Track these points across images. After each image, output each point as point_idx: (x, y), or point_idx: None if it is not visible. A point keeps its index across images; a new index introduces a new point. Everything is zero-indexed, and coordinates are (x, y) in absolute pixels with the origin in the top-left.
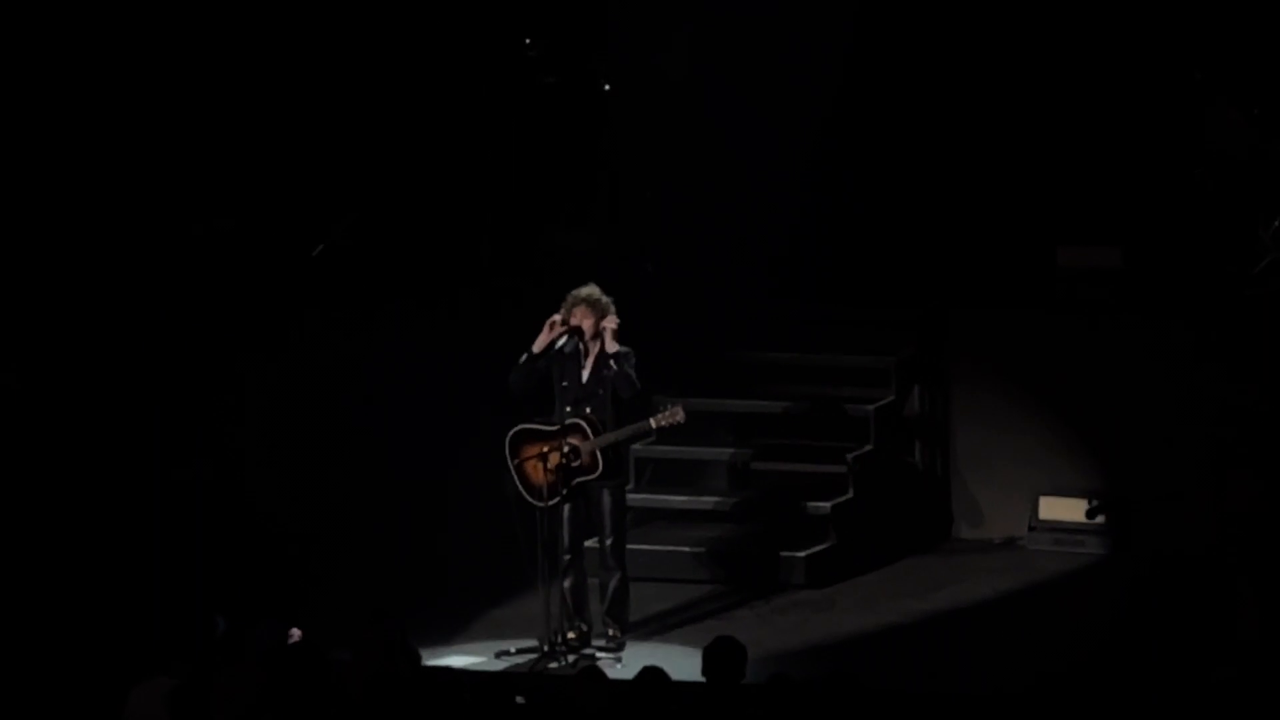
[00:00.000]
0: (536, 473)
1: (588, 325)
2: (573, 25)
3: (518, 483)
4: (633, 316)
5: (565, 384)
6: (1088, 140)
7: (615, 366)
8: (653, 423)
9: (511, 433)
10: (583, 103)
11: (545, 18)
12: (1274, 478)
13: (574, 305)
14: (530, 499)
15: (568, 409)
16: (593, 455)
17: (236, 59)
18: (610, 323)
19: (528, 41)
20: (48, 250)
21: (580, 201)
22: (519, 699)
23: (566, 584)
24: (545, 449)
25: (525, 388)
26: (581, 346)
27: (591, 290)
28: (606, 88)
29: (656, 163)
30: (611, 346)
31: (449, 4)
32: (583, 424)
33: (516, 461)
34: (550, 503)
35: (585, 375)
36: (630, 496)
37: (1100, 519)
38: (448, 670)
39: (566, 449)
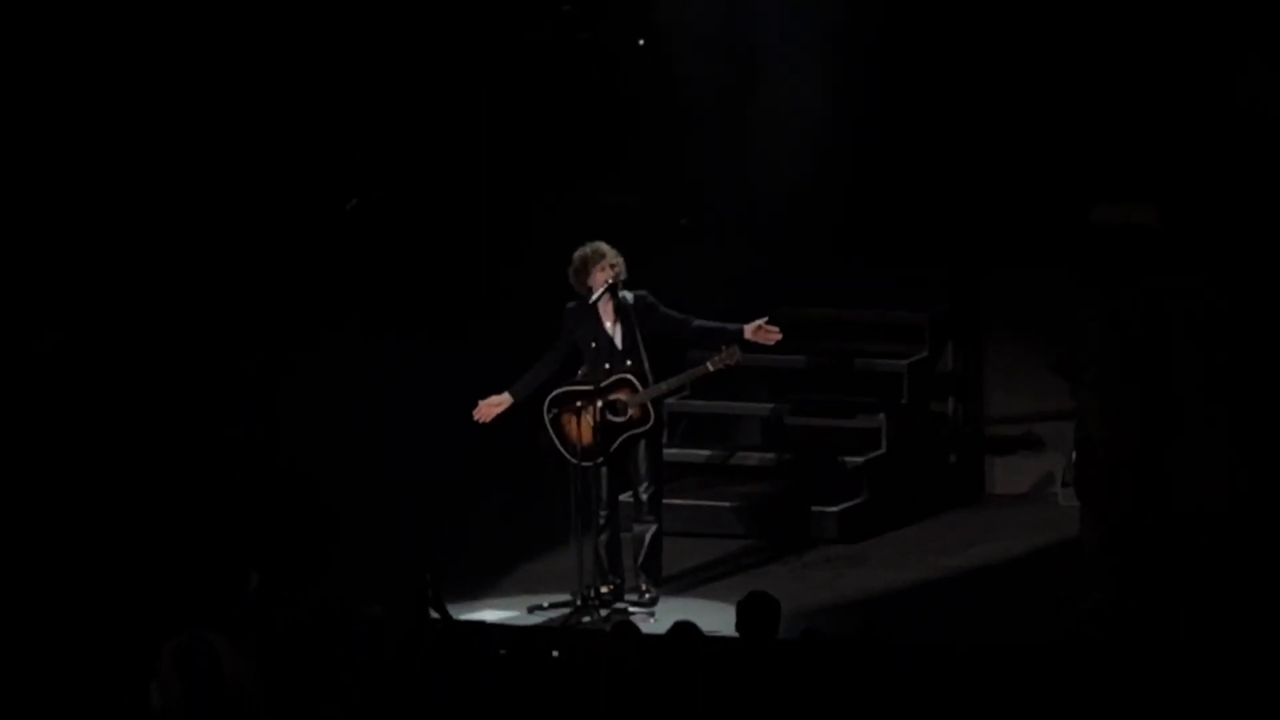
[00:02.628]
0: (581, 432)
1: (616, 278)
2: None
3: (558, 444)
4: (667, 272)
5: (594, 344)
6: (1124, 97)
7: (658, 314)
8: (710, 365)
9: (551, 395)
10: (618, 59)
11: None
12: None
13: (595, 260)
14: (576, 459)
15: (606, 366)
16: (643, 408)
17: (261, 38)
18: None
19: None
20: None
21: (617, 158)
22: (554, 653)
23: (602, 538)
24: (585, 405)
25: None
26: (603, 306)
27: (604, 245)
28: (641, 43)
29: (691, 119)
30: (630, 297)
31: None
32: (630, 378)
33: (558, 423)
34: (597, 461)
35: (618, 333)
36: (664, 451)
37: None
38: (480, 624)
39: (613, 402)
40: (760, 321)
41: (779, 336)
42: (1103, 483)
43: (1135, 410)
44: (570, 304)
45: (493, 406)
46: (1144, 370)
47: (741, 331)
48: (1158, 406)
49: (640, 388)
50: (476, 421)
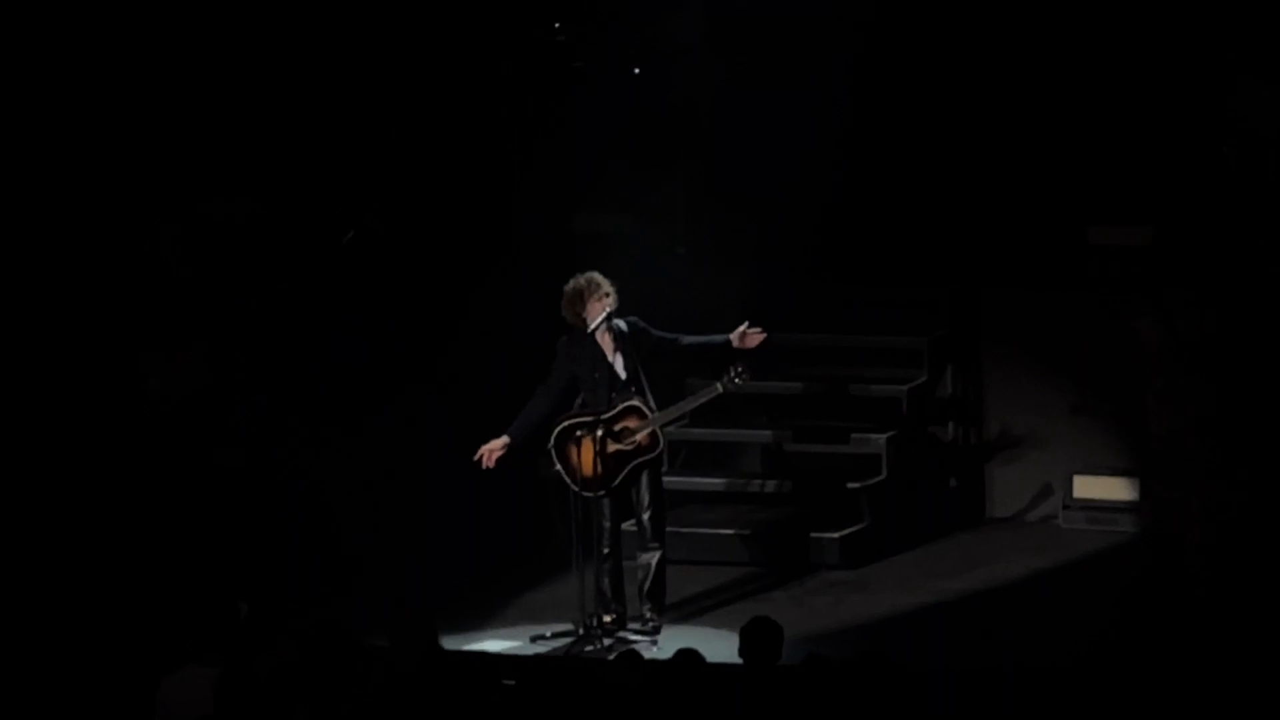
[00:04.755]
0: (588, 464)
1: (606, 308)
2: (601, 10)
3: (565, 476)
4: (664, 300)
5: (596, 375)
6: (1117, 119)
7: (651, 338)
8: (720, 386)
9: (558, 428)
10: (610, 86)
11: (574, 2)
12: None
13: (591, 291)
14: (583, 489)
15: (611, 395)
16: (652, 434)
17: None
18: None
19: (556, 26)
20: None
21: (610, 186)
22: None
23: (605, 566)
24: (593, 435)
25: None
26: (601, 336)
27: (597, 275)
28: (636, 71)
29: (685, 145)
30: (620, 324)
31: None
32: (638, 405)
33: (564, 454)
34: (606, 490)
35: (619, 362)
36: (665, 479)
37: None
38: (483, 654)
39: (620, 432)
40: (743, 327)
41: (762, 336)
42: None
43: (1207, 411)
44: (564, 337)
45: (494, 451)
46: (1208, 370)
47: (729, 341)
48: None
49: (648, 414)
50: (479, 464)
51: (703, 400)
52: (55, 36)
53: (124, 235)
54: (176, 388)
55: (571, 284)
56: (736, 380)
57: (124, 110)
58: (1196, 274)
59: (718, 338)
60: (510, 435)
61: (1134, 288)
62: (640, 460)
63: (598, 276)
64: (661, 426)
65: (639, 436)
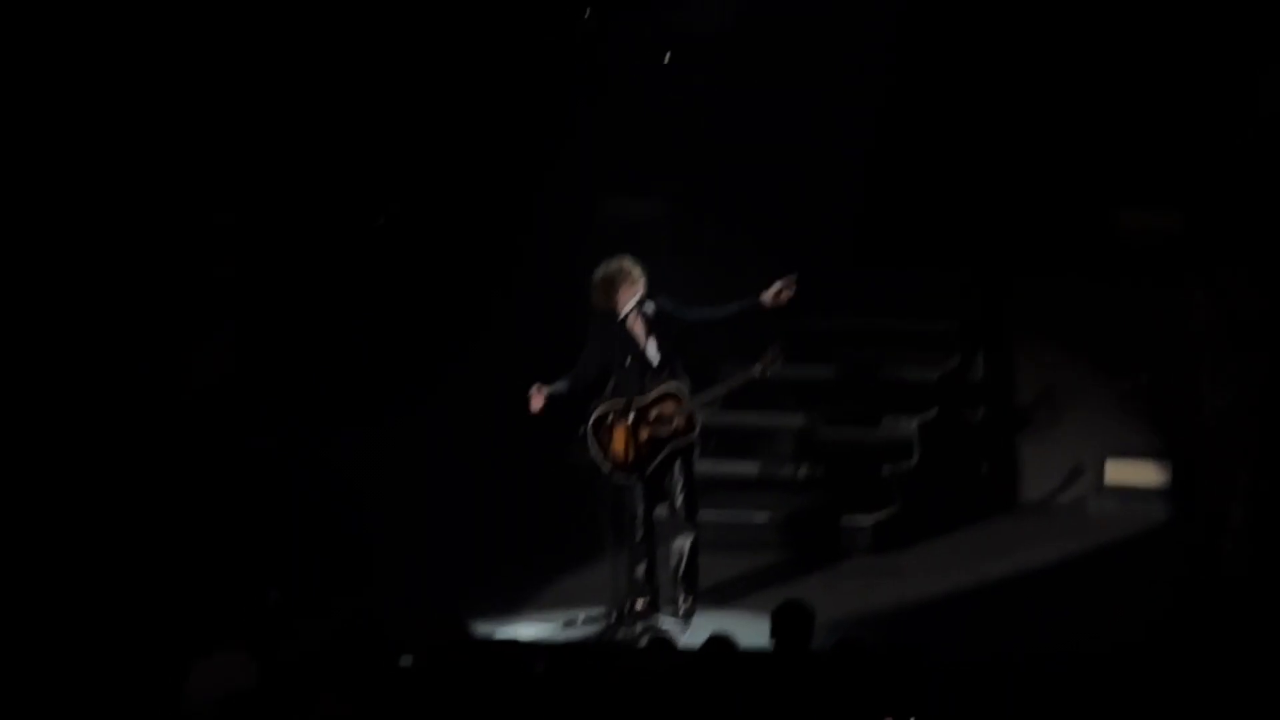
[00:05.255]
0: (625, 449)
1: (636, 294)
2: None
3: (601, 463)
4: (695, 284)
5: (629, 361)
6: (1148, 102)
7: (680, 316)
8: (755, 371)
9: (594, 414)
10: (642, 71)
11: None
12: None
13: (621, 278)
14: (619, 475)
15: (646, 381)
16: (689, 417)
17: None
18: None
19: (586, 12)
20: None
21: (643, 171)
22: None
23: (637, 552)
24: (629, 420)
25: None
26: (633, 321)
27: (628, 260)
28: (668, 57)
29: (716, 130)
30: (651, 308)
31: None
32: (673, 389)
33: (601, 439)
34: (640, 475)
35: (651, 347)
36: (697, 465)
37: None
38: (514, 642)
39: (657, 417)
40: (775, 286)
41: (791, 292)
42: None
43: (1257, 389)
44: (594, 323)
45: (540, 395)
46: (1259, 349)
47: (760, 304)
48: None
49: (684, 397)
50: (530, 411)
51: (737, 383)
52: (96, 30)
53: (157, 226)
54: (204, 375)
55: (601, 270)
56: (773, 364)
57: (160, 100)
58: (1249, 253)
59: (748, 302)
60: (553, 389)
61: (1166, 270)
62: (677, 444)
63: (627, 262)
64: (698, 408)
65: (676, 421)
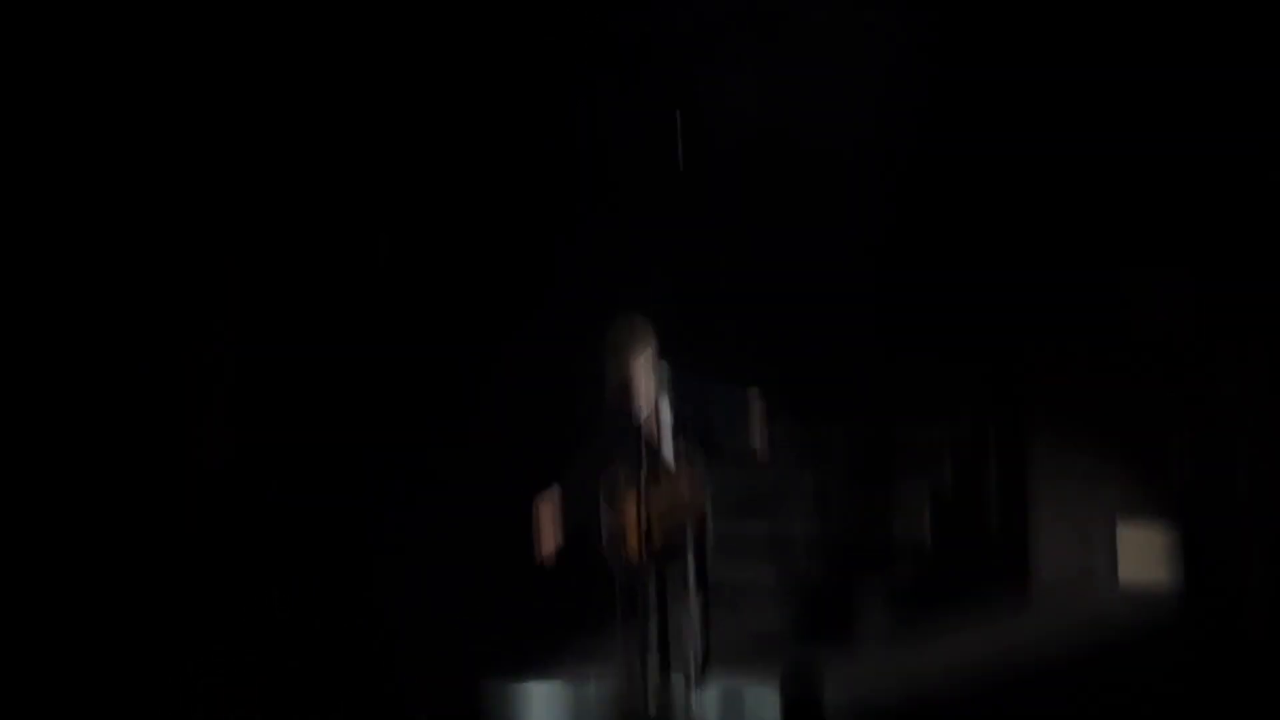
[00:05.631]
0: (634, 514)
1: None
2: (655, 64)
3: (612, 532)
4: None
5: (640, 429)
6: (1160, 161)
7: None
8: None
9: (602, 486)
10: (653, 164)
11: (628, 58)
12: None
13: (629, 345)
14: (630, 548)
15: (654, 446)
16: (698, 492)
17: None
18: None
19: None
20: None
21: (653, 263)
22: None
23: (649, 616)
24: (637, 487)
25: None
26: (643, 394)
27: (637, 325)
28: (678, 117)
29: (731, 207)
30: (665, 374)
31: (529, 51)
32: (682, 455)
33: (608, 506)
34: (651, 547)
35: (662, 413)
36: (707, 530)
37: None
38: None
39: (663, 486)
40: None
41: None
42: None
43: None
44: (607, 390)
45: (547, 512)
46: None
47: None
48: None
49: (692, 466)
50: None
51: (746, 459)
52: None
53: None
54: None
55: (612, 335)
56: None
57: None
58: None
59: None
60: (561, 485)
61: (1175, 339)
62: (685, 516)
63: (639, 325)
64: (705, 484)
65: (685, 493)
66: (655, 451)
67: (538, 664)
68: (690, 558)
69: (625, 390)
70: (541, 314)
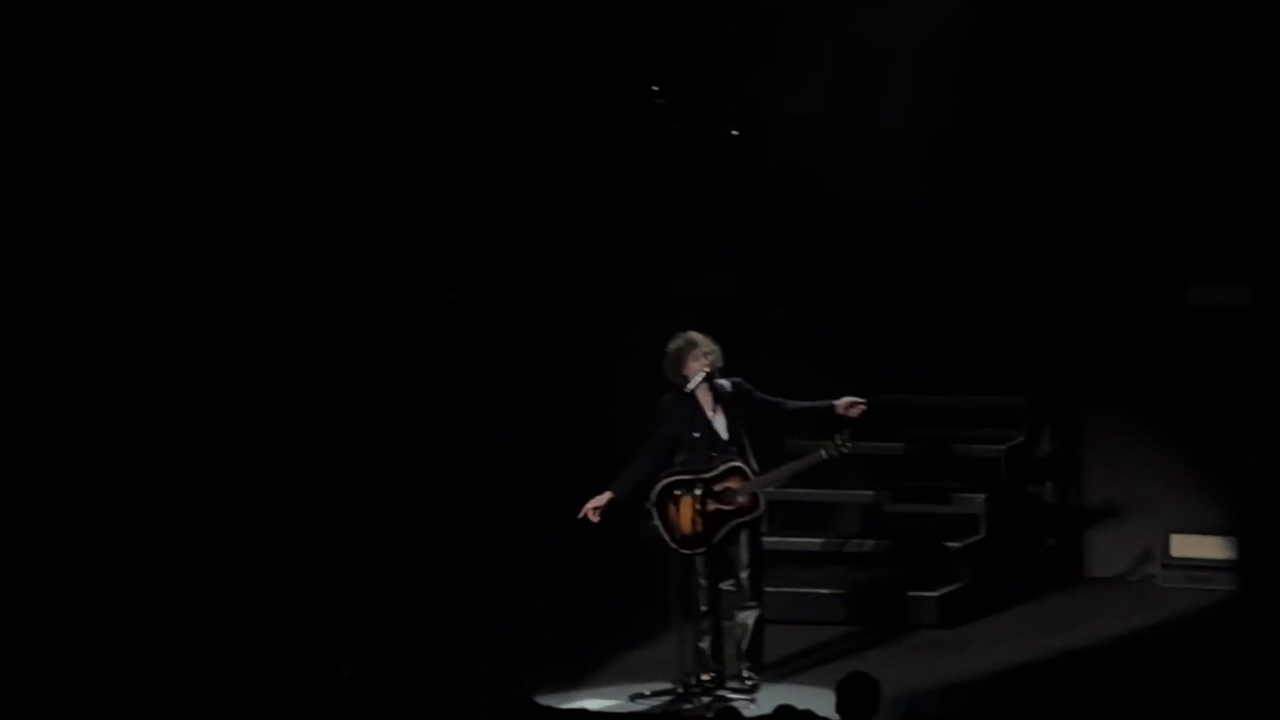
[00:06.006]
0: (688, 521)
1: (712, 367)
2: (700, 72)
3: (664, 533)
4: (763, 361)
5: (697, 434)
6: (1217, 175)
7: (754, 400)
8: (824, 453)
9: (659, 485)
10: (711, 148)
11: (672, 65)
12: None
13: (689, 350)
14: (681, 547)
15: (712, 455)
16: (753, 496)
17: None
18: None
19: (655, 89)
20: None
21: (711, 248)
22: None
23: (704, 625)
24: (694, 494)
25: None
26: (702, 395)
27: (697, 334)
28: (735, 133)
29: (786, 206)
30: (727, 384)
31: (575, 54)
32: (740, 465)
33: (665, 512)
34: (700, 550)
35: (719, 421)
36: (764, 539)
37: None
38: (583, 713)
39: (721, 492)
40: (848, 399)
41: (864, 408)
42: None
43: None
44: (666, 395)
45: (597, 507)
46: None
47: (833, 408)
48: None
49: (750, 476)
50: (584, 521)
51: (807, 465)
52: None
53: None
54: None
55: (673, 344)
56: (842, 449)
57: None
58: None
59: (821, 404)
60: (614, 491)
61: (1234, 345)
62: (739, 521)
63: (697, 336)
64: (763, 489)
65: (740, 498)
66: (711, 454)
67: (592, 675)
68: (745, 562)
69: (683, 394)
70: (593, 317)
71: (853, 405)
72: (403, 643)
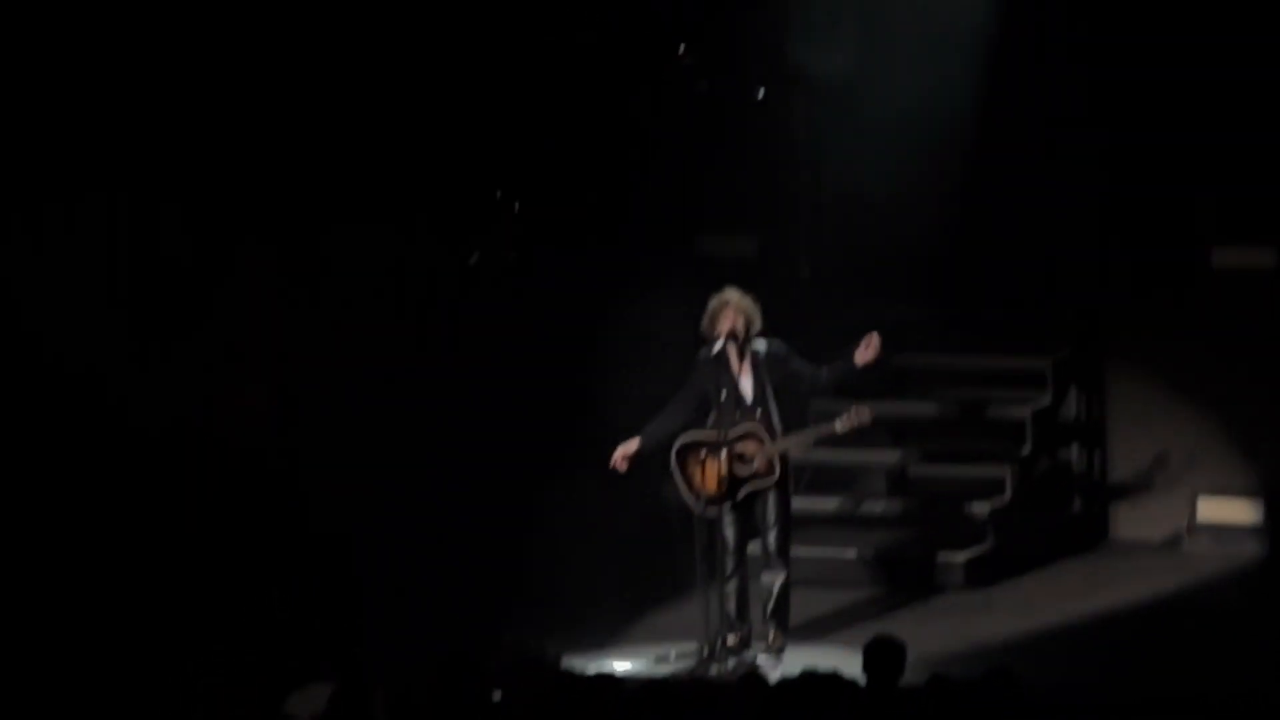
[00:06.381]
0: (706, 481)
1: (739, 328)
2: (726, 31)
3: (684, 493)
4: (788, 322)
5: (724, 394)
6: (1243, 138)
7: (788, 366)
8: (838, 425)
9: (679, 444)
10: (737, 108)
11: (698, 24)
12: None
13: (721, 309)
14: (700, 507)
15: (736, 416)
16: (769, 461)
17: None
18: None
19: (681, 48)
20: None
21: (735, 208)
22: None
23: (729, 588)
24: (711, 454)
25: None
26: (730, 354)
27: (734, 292)
28: (761, 93)
29: (811, 167)
30: (762, 346)
31: (601, 14)
32: (758, 430)
33: (684, 470)
34: (717, 509)
35: (746, 384)
36: (790, 501)
37: None
38: (609, 675)
39: (738, 455)
40: (864, 342)
41: (877, 345)
42: None
43: None
44: (701, 351)
45: (626, 454)
46: None
47: (853, 363)
48: None
49: (767, 440)
50: (614, 469)
51: (819, 435)
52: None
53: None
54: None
55: (711, 300)
56: (855, 421)
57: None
58: None
59: (844, 365)
60: (641, 437)
61: (1261, 307)
62: (756, 486)
63: (733, 295)
64: (779, 454)
65: (757, 462)
66: (735, 415)
67: (618, 637)
68: (771, 525)
69: (713, 352)
70: (624, 269)
71: (868, 349)
72: (427, 605)
